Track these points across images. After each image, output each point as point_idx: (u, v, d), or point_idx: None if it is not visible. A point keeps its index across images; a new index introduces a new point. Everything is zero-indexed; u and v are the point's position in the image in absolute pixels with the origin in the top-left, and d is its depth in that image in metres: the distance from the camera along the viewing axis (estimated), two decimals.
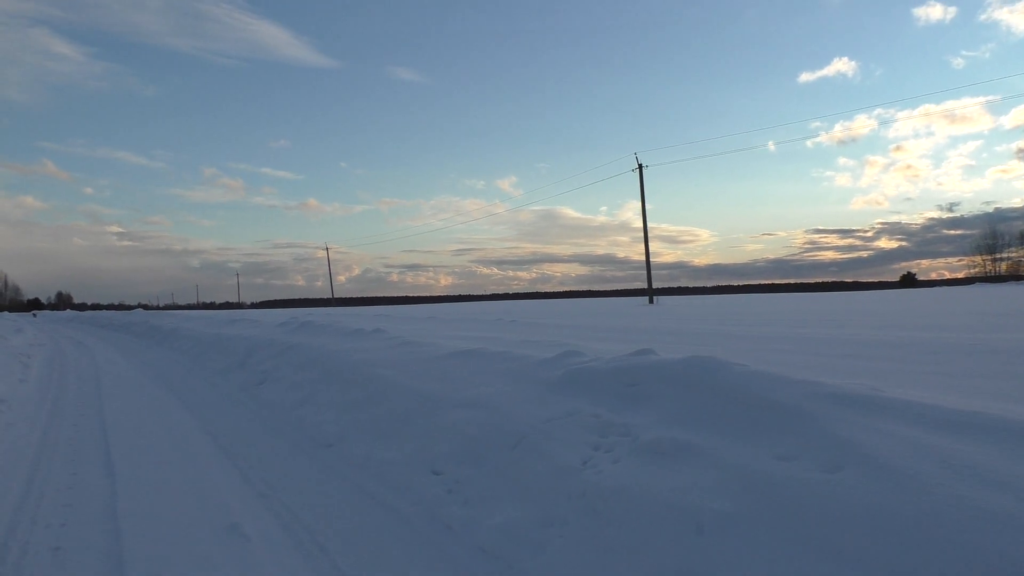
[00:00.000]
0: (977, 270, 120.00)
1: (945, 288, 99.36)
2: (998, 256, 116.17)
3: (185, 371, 10.97)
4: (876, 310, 21.82)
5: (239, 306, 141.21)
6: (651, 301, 39.39)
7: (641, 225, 40.66)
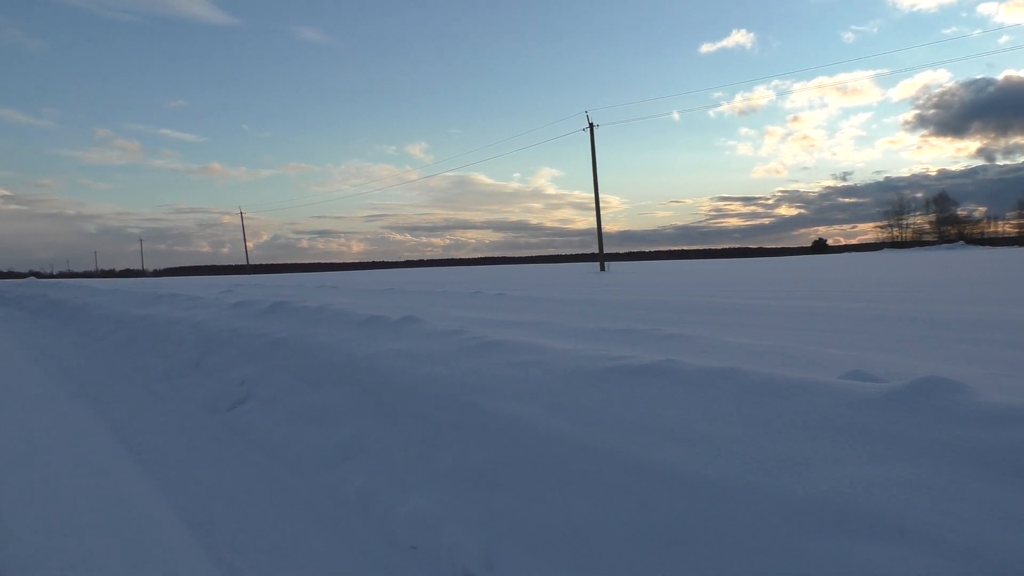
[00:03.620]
0: (885, 235, 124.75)
1: (860, 254, 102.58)
2: (904, 222, 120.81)
3: (110, 372, 7.91)
4: (845, 278, 20.22)
5: (141, 273, 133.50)
6: (603, 268, 37.42)
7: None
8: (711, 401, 3.13)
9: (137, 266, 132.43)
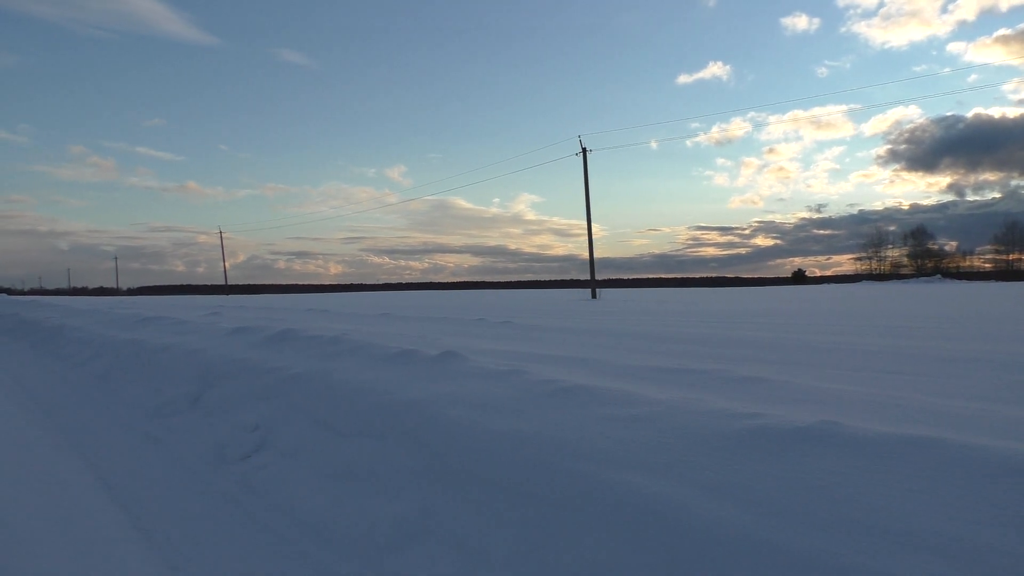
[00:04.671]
0: (863, 267, 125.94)
1: (840, 285, 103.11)
2: (882, 255, 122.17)
3: (92, 407, 6.97)
4: (850, 311, 19.68)
5: (115, 292, 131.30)
6: (594, 295, 36.74)
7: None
8: (931, 487, 2.35)
9: (111, 284, 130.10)
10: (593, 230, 36.20)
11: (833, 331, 11.61)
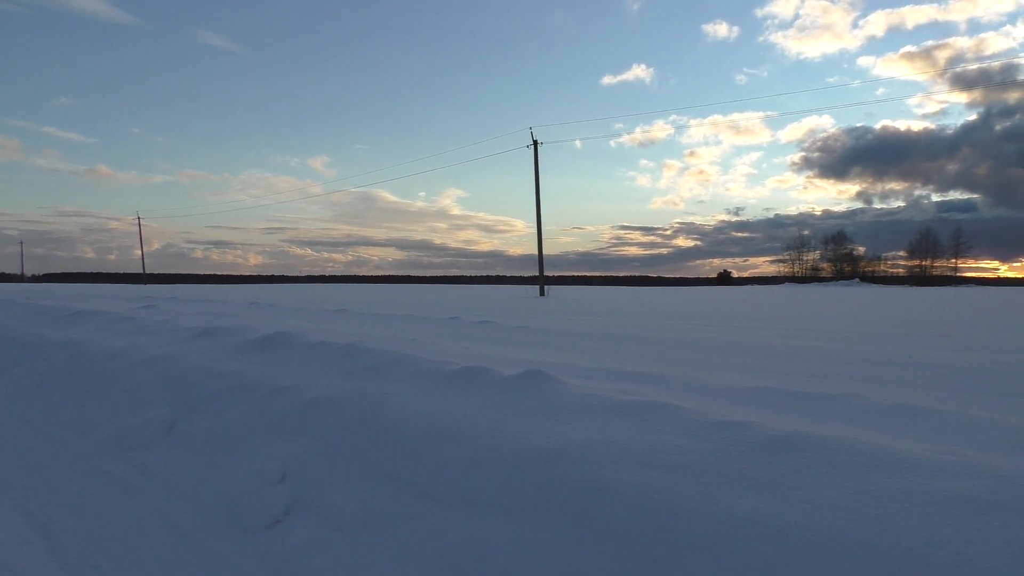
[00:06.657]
0: (785, 269, 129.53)
1: (765, 287, 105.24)
2: (804, 258, 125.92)
3: (25, 430, 5.36)
4: (808, 314, 19.19)
5: (19, 279, 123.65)
6: (543, 292, 35.69)
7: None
8: None
9: (14, 270, 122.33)
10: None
11: (851, 340, 10.73)
